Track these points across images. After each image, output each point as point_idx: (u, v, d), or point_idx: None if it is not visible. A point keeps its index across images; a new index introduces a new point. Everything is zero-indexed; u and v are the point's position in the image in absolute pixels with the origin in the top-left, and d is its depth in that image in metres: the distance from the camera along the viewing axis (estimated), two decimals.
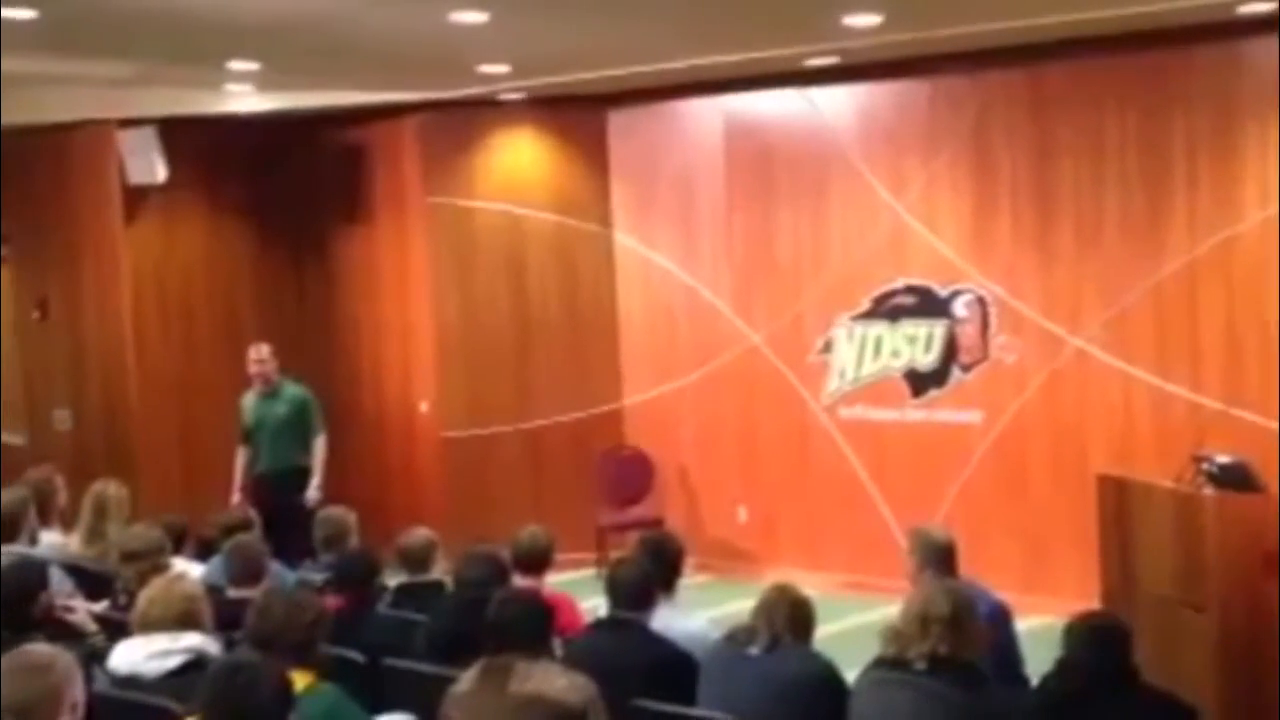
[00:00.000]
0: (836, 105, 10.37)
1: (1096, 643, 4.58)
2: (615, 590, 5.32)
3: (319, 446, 9.82)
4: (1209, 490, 6.92)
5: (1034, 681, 5.15)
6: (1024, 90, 9.57)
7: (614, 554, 8.29)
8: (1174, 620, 6.81)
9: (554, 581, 6.19)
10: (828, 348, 10.49)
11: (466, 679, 2.35)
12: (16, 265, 12.10)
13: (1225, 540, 6.65)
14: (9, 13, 6.97)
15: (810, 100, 10.46)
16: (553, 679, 2.36)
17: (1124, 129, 9.20)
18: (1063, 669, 4.61)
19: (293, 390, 9.93)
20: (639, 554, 5.79)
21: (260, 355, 9.87)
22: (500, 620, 4.88)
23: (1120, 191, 9.23)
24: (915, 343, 10.09)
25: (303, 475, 9.69)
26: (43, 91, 10.31)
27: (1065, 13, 8.22)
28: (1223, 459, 7.07)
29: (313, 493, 9.59)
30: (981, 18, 8.32)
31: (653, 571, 5.44)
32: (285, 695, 3.96)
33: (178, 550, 7.00)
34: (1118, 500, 7.48)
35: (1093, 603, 6.93)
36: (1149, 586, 7.11)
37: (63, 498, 8.00)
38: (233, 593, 5.98)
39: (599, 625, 5.36)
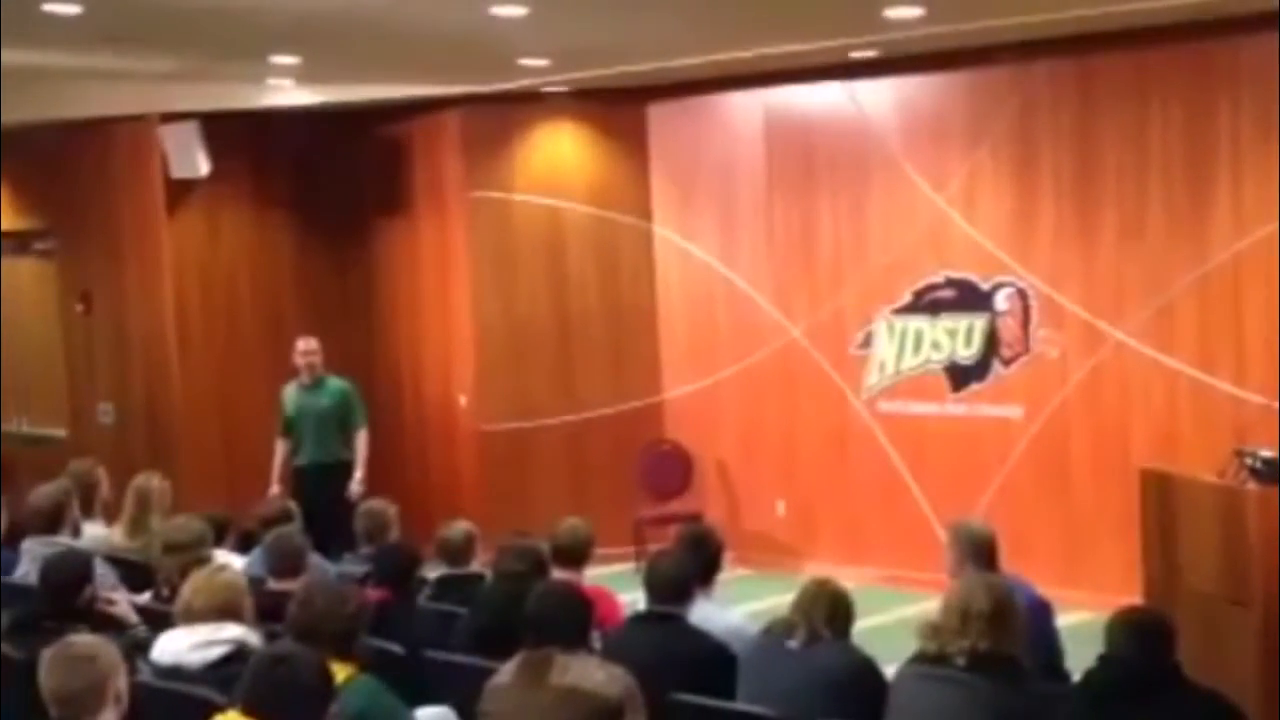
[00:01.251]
0: (878, 98, 10.33)
1: (1139, 639, 4.54)
2: (654, 584, 5.31)
3: (361, 440, 9.86)
4: (1252, 485, 6.87)
5: (1075, 678, 5.12)
6: (1067, 82, 9.50)
7: (653, 548, 8.29)
8: (1217, 616, 6.77)
9: (593, 575, 6.20)
10: (868, 341, 10.46)
11: (505, 671, 2.35)
12: (60, 259, 12.20)
13: (1268, 536, 6.59)
14: (53, 8, 7.02)
15: (851, 93, 10.43)
16: (591, 672, 2.36)
17: (1168, 121, 9.13)
18: (1105, 665, 4.58)
19: (335, 384, 9.97)
20: (677, 548, 5.79)
21: (309, 347, 9.92)
22: (539, 613, 4.89)
23: (1164, 184, 9.17)
24: (956, 336, 10.04)
25: (345, 468, 9.73)
26: (86, 86, 10.39)
27: (1109, 4, 8.15)
28: (1266, 453, 7.01)
29: (355, 486, 9.62)
30: (1023, 10, 8.27)
31: (691, 565, 5.44)
32: (326, 686, 3.98)
33: (219, 542, 7.03)
34: (1160, 495, 7.43)
35: (1135, 598, 6.88)
36: (1192, 582, 7.06)
37: (105, 490, 8.05)
38: (274, 585, 6.01)
39: (638, 619, 5.37)
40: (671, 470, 11.30)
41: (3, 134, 10.84)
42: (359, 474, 9.74)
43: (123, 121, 11.12)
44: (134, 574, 6.81)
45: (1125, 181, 9.31)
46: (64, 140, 11.50)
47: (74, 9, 7.09)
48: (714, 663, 5.05)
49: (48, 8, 7.00)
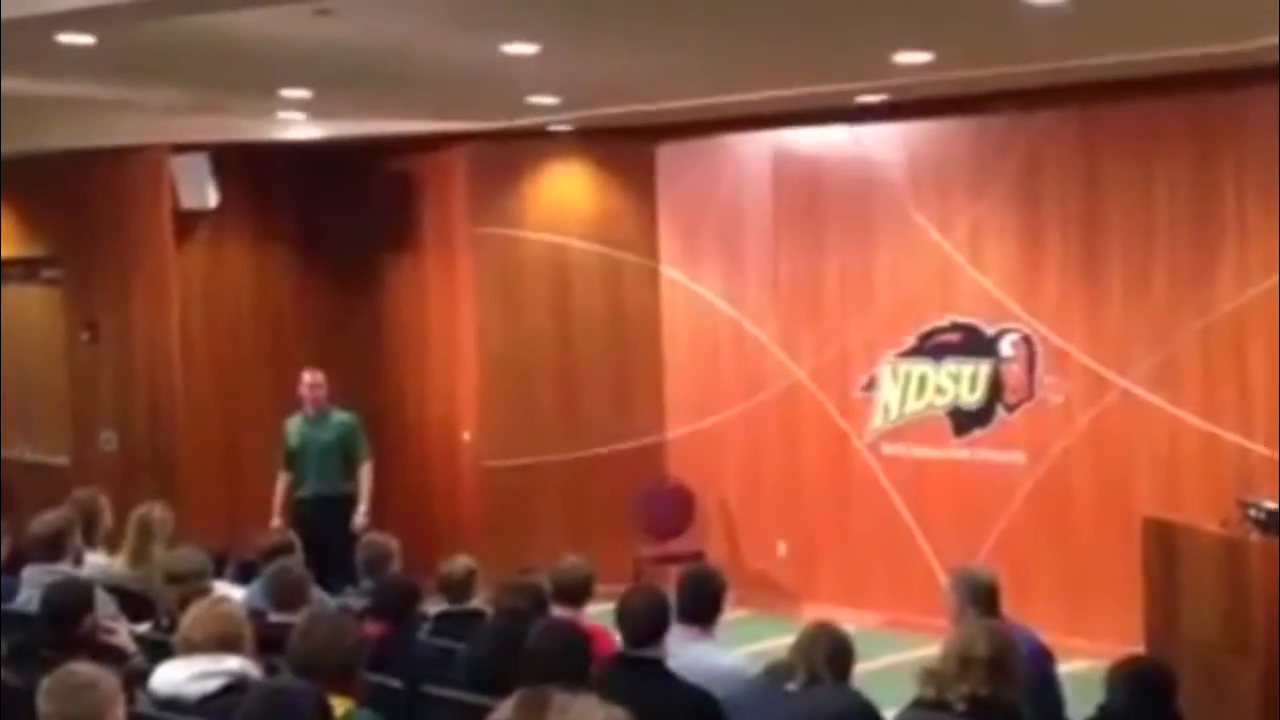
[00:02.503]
0: (885, 142, 10.36)
1: (1140, 689, 4.54)
2: (626, 624, 5.13)
3: (366, 473, 9.87)
4: (1255, 536, 6.87)
5: None
6: (1074, 130, 9.54)
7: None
8: (1219, 667, 6.75)
9: (593, 613, 6.17)
10: (872, 384, 10.46)
11: (504, 709, 2.35)
12: (68, 287, 12.22)
13: (1270, 587, 6.59)
14: (68, 38, 7.06)
15: (859, 137, 10.46)
16: (590, 711, 2.36)
17: (1173, 171, 9.16)
18: (1104, 715, 4.57)
19: (340, 416, 9.98)
20: (646, 583, 5.68)
21: (315, 380, 9.94)
22: (539, 651, 4.87)
23: (1169, 233, 9.19)
24: (960, 381, 10.04)
25: (347, 502, 9.73)
26: (98, 115, 10.43)
27: (1117, 54, 8.19)
28: (1270, 504, 7.01)
29: (360, 519, 9.62)
30: (1032, 58, 8.31)
31: (663, 601, 5.24)
32: None
33: (218, 574, 7.02)
34: (1163, 544, 7.43)
35: (1136, 647, 6.87)
36: (1193, 632, 7.05)
37: (108, 519, 8.04)
38: (274, 617, 5.99)
39: (613, 666, 5.10)
40: (673, 509, 11.28)
41: (8, 162, 10.88)
42: (364, 507, 9.74)
43: (133, 151, 11.16)
44: (135, 604, 6.80)
45: (1131, 229, 9.33)
46: (74, 169, 11.53)
47: (88, 39, 7.13)
48: (698, 710, 4.92)
49: (62, 38, 7.04)
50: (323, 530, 9.05)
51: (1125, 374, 9.36)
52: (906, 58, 8.20)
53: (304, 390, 9.92)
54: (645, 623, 5.13)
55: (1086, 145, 9.49)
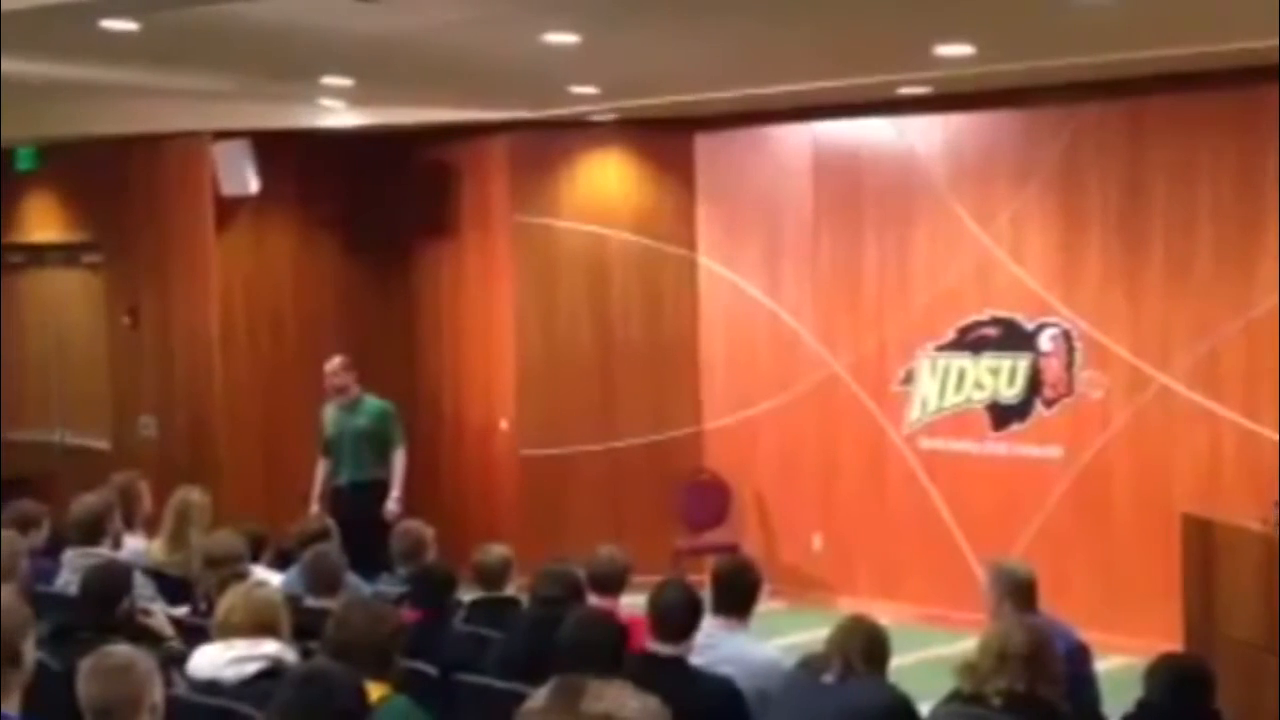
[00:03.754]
0: (926, 134, 10.32)
1: (1178, 686, 4.51)
2: (656, 619, 5.10)
3: (399, 459, 9.88)
4: None
5: None
6: (1116, 123, 9.48)
7: (691, 578, 8.26)
8: (1257, 665, 6.71)
9: (628, 603, 6.18)
10: (910, 378, 10.43)
11: (538, 697, 2.34)
12: (109, 272, 12.30)
13: None
14: (111, 24, 7.09)
15: (900, 128, 10.42)
16: (625, 700, 2.35)
17: (1216, 165, 9.09)
18: (1142, 711, 4.55)
19: (373, 403, 10.00)
20: (678, 579, 5.66)
21: (333, 367, 9.93)
22: (574, 639, 4.88)
23: (1213, 227, 9.12)
24: (999, 375, 10.00)
25: (381, 488, 9.75)
26: (140, 102, 10.49)
27: (1160, 47, 8.13)
28: None
29: (392, 505, 9.64)
30: (1075, 50, 8.26)
31: (693, 598, 5.22)
32: (360, 705, 3.99)
33: (255, 559, 7.06)
34: (1202, 541, 7.38)
35: (1174, 644, 6.83)
36: (1232, 630, 7.00)
37: (147, 503, 8.10)
38: (310, 602, 6.02)
39: (638, 663, 4.97)
40: (709, 501, 11.28)
41: (51, 148, 10.95)
42: (395, 493, 9.75)
43: (175, 138, 11.22)
44: (172, 587, 6.85)
45: (1173, 224, 9.26)
46: (116, 155, 11.61)
47: (131, 26, 7.17)
48: (725, 709, 4.91)
49: (106, 24, 7.08)
50: (357, 516, 9.07)
51: (1165, 369, 9.30)
52: (948, 50, 8.16)
53: (326, 379, 9.94)
54: (676, 618, 5.12)
55: (1128, 139, 9.42)
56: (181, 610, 6.43)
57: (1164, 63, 8.51)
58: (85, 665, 4.03)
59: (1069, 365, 9.71)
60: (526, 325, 11.44)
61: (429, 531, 7.22)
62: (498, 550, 6.61)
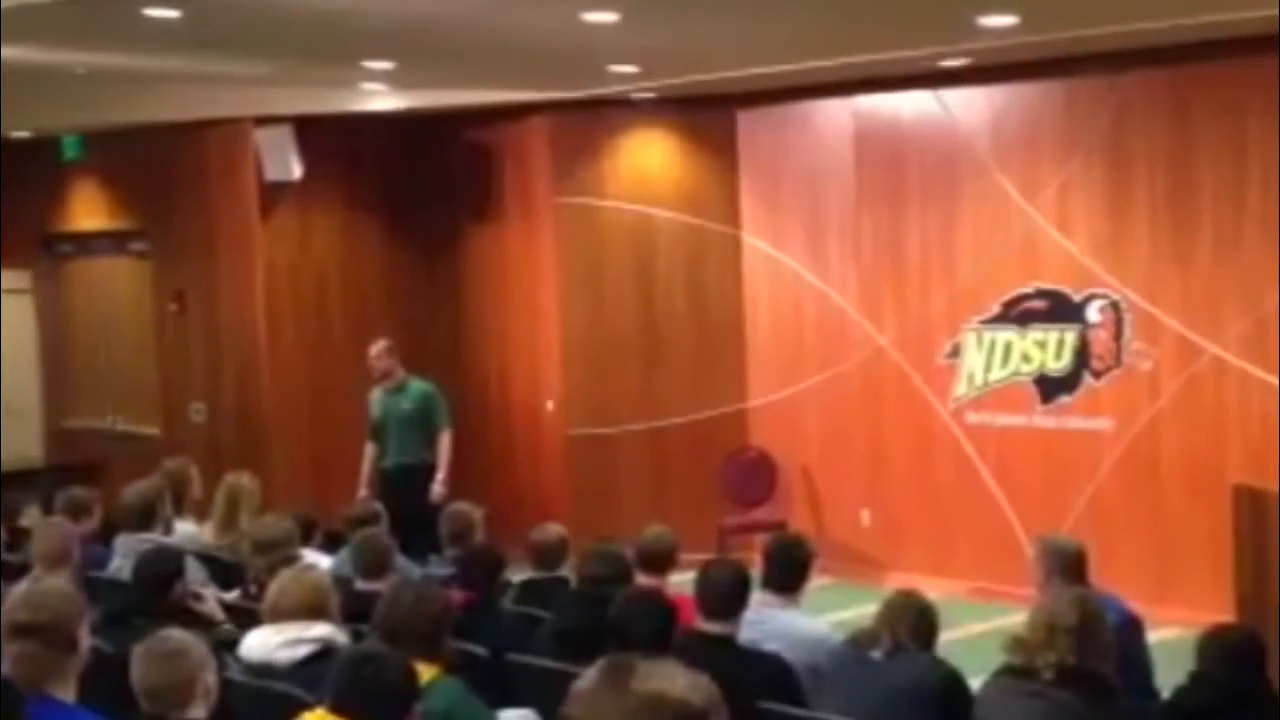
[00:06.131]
0: (969, 107, 10.25)
1: (1230, 657, 4.48)
2: (705, 596, 5.10)
3: (445, 442, 9.90)
4: None
5: (1165, 695, 5.05)
6: (1163, 92, 9.38)
7: (737, 555, 8.26)
8: None
9: (676, 582, 6.19)
10: (956, 352, 10.38)
11: (588, 676, 2.35)
12: (155, 259, 12.39)
13: None
14: (153, 11, 7.12)
15: (942, 101, 10.36)
16: (675, 678, 2.35)
17: (1265, 132, 8.97)
18: (1195, 683, 4.52)
19: (419, 386, 10.03)
20: (728, 556, 5.65)
21: (375, 351, 9.95)
22: (623, 618, 4.89)
23: (1262, 195, 9.01)
24: (1046, 348, 9.94)
25: (428, 471, 9.78)
26: (182, 89, 10.54)
27: (1204, 14, 8.04)
28: None
29: (438, 488, 9.67)
30: (1121, 18, 8.17)
31: (743, 576, 5.22)
32: (411, 686, 4.01)
33: (305, 543, 7.11)
34: (1254, 512, 7.33)
35: (1226, 615, 6.78)
36: None
37: (197, 489, 8.17)
38: (360, 585, 6.06)
39: (687, 642, 4.96)
40: (756, 478, 11.27)
41: (96, 136, 11.02)
42: (441, 475, 9.78)
43: (218, 124, 11.28)
44: (223, 572, 6.90)
45: (1222, 192, 9.16)
46: (160, 142, 11.68)
47: (173, 13, 7.20)
48: (776, 685, 4.88)
49: (148, 12, 7.11)
50: (405, 499, 9.12)
51: (1215, 339, 9.21)
52: (992, 20, 8.09)
53: (369, 363, 9.98)
54: (725, 596, 5.12)
55: (1175, 108, 9.32)
56: (232, 594, 6.48)
57: (1208, 29, 8.41)
58: (139, 650, 4.06)
59: (1118, 336, 9.64)
60: (571, 306, 11.45)
61: (477, 513, 7.25)
62: (554, 530, 6.63)
